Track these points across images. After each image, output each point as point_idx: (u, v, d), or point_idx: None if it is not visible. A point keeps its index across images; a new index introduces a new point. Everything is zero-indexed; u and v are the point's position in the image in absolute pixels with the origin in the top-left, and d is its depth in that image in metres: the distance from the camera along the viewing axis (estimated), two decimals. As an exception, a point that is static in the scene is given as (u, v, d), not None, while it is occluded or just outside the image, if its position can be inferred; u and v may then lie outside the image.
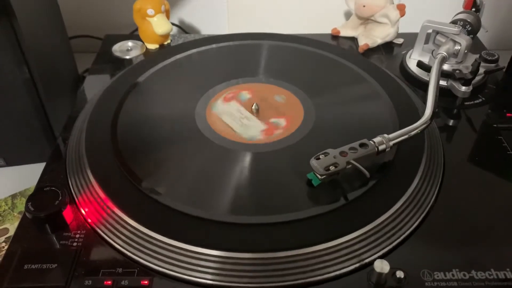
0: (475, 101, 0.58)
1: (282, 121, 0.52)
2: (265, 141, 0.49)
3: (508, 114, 0.56)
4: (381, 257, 0.39)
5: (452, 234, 0.42)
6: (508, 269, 0.39)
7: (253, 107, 0.53)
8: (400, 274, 0.36)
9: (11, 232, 0.50)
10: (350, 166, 0.43)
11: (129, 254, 0.39)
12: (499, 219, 0.43)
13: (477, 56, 0.59)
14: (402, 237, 0.41)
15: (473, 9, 0.66)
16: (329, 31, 0.73)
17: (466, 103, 0.58)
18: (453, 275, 0.38)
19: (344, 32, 0.72)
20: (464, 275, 0.38)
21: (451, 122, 0.55)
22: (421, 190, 0.44)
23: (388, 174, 0.45)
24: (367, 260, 0.39)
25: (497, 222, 0.43)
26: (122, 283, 0.37)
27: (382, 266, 0.36)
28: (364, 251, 0.39)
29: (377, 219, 0.40)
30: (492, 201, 0.45)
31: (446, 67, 0.58)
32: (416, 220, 0.42)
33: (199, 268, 0.38)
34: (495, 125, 0.54)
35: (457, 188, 0.46)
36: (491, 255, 0.40)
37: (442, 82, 0.57)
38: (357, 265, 0.38)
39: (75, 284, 0.37)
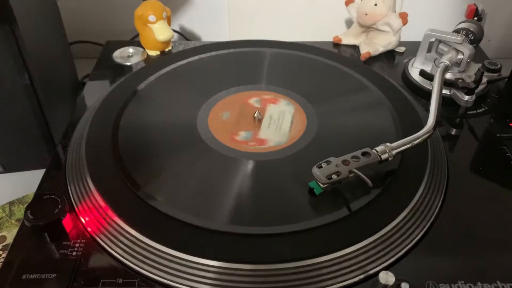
0: (478, 110, 0.58)
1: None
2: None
3: (511, 124, 0.55)
4: (385, 268, 0.38)
5: (458, 245, 0.41)
6: (514, 281, 0.38)
7: (255, 115, 0.53)
8: (405, 286, 0.36)
9: (9, 240, 0.50)
10: (352, 175, 0.42)
11: (129, 264, 0.39)
12: (504, 229, 0.43)
13: (480, 65, 0.59)
14: (406, 248, 0.40)
15: (475, 18, 0.65)
16: (330, 39, 0.73)
17: (469, 112, 0.57)
18: (458, 287, 0.38)
19: (346, 40, 0.72)
20: (470, 287, 0.38)
21: (454, 131, 0.55)
22: (426, 200, 0.44)
23: (392, 184, 0.45)
24: (371, 272, 0.38)
25: (502, 233, 0.42)
26: (123, 294, 0.37)
27: (387, 278, 0.35)
28: (368, 263, 0.39)
29: (381, 230, 0.40)
30: (497, 211, 0.44)
31: (448, 76, 0.58)
32: (420, 231, 0.42)
33: (200, 279, 0.37)
34: (498, 135, 0.54)
35: (461, 198, 0.46)
36: (497, 267, 0.39)
37: (445, 91, 0.57)
38: (361, 276, 0.38)
39: (75, 295, 0.37)
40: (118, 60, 0.67)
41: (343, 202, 0.43)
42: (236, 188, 0.44)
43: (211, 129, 0.51)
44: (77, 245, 0.40)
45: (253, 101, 0.56)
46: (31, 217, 0.40)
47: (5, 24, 0.48)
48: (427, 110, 0.50)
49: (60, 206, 0.41)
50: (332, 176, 0.42)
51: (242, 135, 0.51)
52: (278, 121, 0.52)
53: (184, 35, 0.83)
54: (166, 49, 0.69)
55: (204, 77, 0.61)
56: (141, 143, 0.50)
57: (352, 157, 0.43)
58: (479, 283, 0.38)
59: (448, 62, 0.56)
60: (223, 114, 0.54)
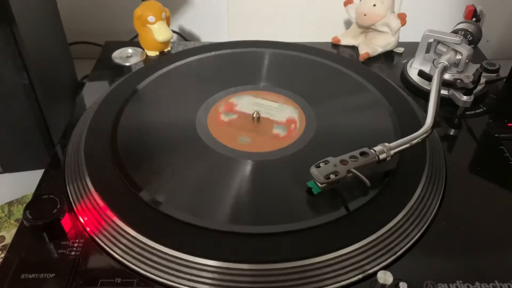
0: (476, 111, 0.58)
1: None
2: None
3: (509, 124, 0.55)
4: (383, 268, 0.38)
5: (455, 244, 0.41)
6: (512, 281, 0.38)
7: (254, 115, 0.53)
8: (403, 285, 0.36)
9: (8, 240, 0.50)
10: (350, 174, 0.42)
11: (128, 264, 0.39)
12: (502, 229, 0.43)
13: (478, 66, 0.59)
14: (404, 248, 0.40)
15: (474, 19, 0.66)
16: (329, 40, 0.73)
17: (467, 112, 0.57)
18: (457, 286, 0.38)
19: (345, 41, 0.72)
20: (468, 286, 0.38)
21: (452, 132, 0.55)
22: (424, 200, 0.44)
23: (390, 184, 0.45)
24: (369, 272, 0.38)
25: (500, 233, 0.43)
26: (121, 293, 0.37)
27: (385, 278, 0.35)
28: (366, 262, 0.39)
29: (380, 230, 0.40)
30: (495, 211, 0.45)
31: (447, 76, 0.58)
32: (419, 231, 0.42)
33: (199, 279, 0.38)
34: (496, 135, 0.54)
35: (459, 198, 0.46)
36: (495, 266, 0.39)
37: (443, 92, 0.57)
38: (360, 276, 0.38)
39: (73, 295, 0.37)
40: (117, 61, 0.67)
41: (341, 202, 0.43)
42: (234, 188, 0.44)
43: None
44: (75, 244, 0.40)
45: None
46: (30, 217, 0.40)
47: (5, 24, 0.48)
48: (426, 110, 0.50)
49: (59, 206, 0.41)
50: (330, 175, 0.42)
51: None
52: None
53: (183, 35, 0.84)
54: (165, 50, 0.69)
55: (203, 78, 0.61)
56: (140, 143, 0.50)
57: (350, 157, 0.43)
58: (477, 283, 0.38)
59: (446, 63, 0.57)
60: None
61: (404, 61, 0.67)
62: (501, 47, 0.84)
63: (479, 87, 0.58)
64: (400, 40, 0.70)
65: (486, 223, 0.43)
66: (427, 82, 0.59)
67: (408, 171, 0.46)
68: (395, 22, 0.67)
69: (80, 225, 0.42)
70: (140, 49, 0.69)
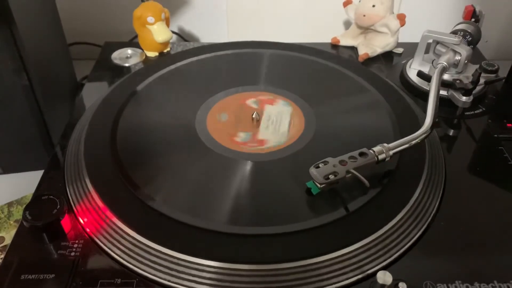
0: (476, 111, 0.58)
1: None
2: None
3: (508, 125, 0.56)
4: (383, 268, 0.39)
5: (455, 245, 0.41)
6: (511, 281, 0.38)
7: (253, 116, 0.53)
8: (402, 286, 0.36)
9: (7, 241, 0.50)
10: (349, 175, 0.42)
11: (127, 264, 0.39)
12: (501, 229, 0.43)
13: (477, 66, 0.59)
14: (404, 248, 0.40)
15: (473, 20, 0.66)
16: (328, 40, 0.73)
17: (467, 113, 0.58)
18: (456, 287, 0.38)
19: (344, 41, 0.72)
20: (468, 287, 0.38)
21: (451, 132, 0.55)
22: (423, 200, 0.44)
23: (390, 184, 0.45)
24: (369, 272, 0.38)
25: (499, 233, 0.43)
26: (121, 294, 0.37)
27: (384, 278, 0.35)
28: (366, 263, 0.39)
29: (379, 230, 0.40)
30: (494, 212, 0.45)
31: (446, 77, 0.58)
32: (418, 231, 0.42)
33: (199, 279, 0.38)
34: (495, 135, 0.54)
35: (458, 199, 0.46)
36: (494, 267, 0.39)
37: (443, 92, 0.57)
38: (359, 276, 0.38)
39: (73, 295, 0.37)
40: (117, 61, 0.67)
41: (341, 202, 0.43)
42: (234, 189, 0.44)
43: (210, 130, 0.52)
44: (75, 245, 0.40)
45: (252, 102, 0.56)
46: (29, 217, 0.40)
47: (4, 24, 0.48)
48: (425, 111, 0.50)
49: (58, 206, 0.41)
50: (330, 176, 0.42)
51: (241, 136, 0.51)
52: (277, 122, 0.52)
53: (182, 36, 0.84)
54: (165, 50, 0.69)
55: (203, 78, 0.61)
56: (139, 144, 0.50)
57: (350, 158, 0.43)
58: (476, 283, 0.38)
59: (445, 63, 0.57)
60: (221, 115, 0.54)
61: (403, 62, 0.67)
62: (500, 47, 0.84)
63: (478, 88, 0.58)
64: (399, 41, 0.70)
65: (486, 223, 0.43)
66: (426, 82, 0.59)
67: (407, 172, 0.46)
68: (394, 23, 0.67)
69: (80, 226, 0.42)
70: (139, 50, 0.69)
